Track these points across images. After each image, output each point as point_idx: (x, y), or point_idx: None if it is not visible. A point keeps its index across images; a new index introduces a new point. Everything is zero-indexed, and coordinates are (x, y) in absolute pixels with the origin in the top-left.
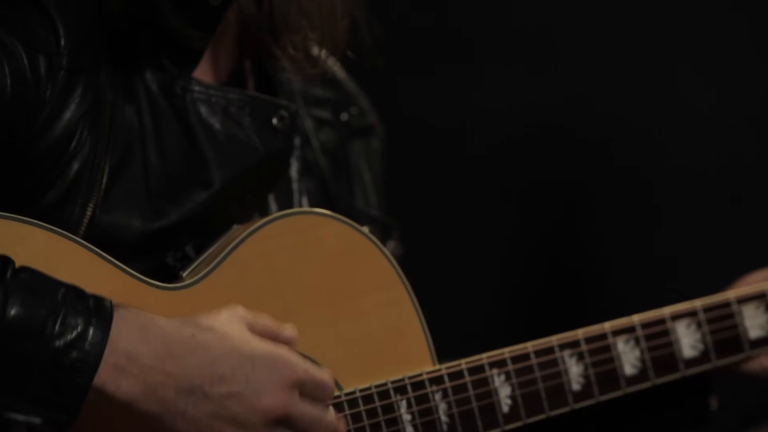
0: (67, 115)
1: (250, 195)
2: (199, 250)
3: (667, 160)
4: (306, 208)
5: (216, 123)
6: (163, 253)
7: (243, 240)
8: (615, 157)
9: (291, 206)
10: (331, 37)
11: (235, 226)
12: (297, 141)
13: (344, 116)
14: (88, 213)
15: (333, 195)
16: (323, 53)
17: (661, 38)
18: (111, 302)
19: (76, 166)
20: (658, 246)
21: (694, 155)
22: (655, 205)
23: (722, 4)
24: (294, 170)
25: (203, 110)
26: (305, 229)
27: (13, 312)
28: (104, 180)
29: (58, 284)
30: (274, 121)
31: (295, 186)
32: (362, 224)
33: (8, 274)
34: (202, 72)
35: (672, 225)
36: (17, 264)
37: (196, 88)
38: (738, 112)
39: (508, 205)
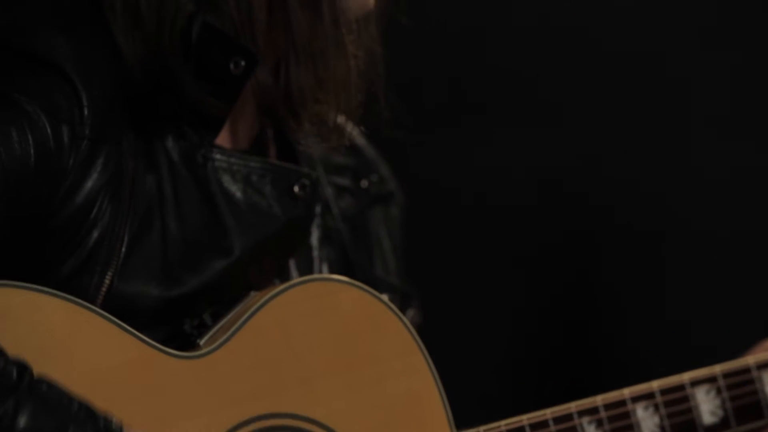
0: (89, 184)
1: (270, 262)
2: (217, 318)
3: (679, 222)
4: (323, 275)
5: (237, 191)
6: (181, 321)
7: (260, 307)
8: (627, 219)
9: (311, 273)
10: (348, 108)
11: (252, 293)
12: (318, 209)
13: (364, 183)
14: (107, 281)
15: (353, 263)
16: (343, 122)
17: (672, 99)
18: (121, 425)
19: (95, 234)
20: (671, 309)
21: (706, 217)
22: (668, 268)
23: (736, 65)
24: (314, 238)
25: (224, 178)
26: (323, 295)
27: (22, 423)
28: (123, 248)
29: (71, 400)
30: (296, 189)
31: (315, 254)
32: (382, 292)
33: (24, 383)
34: (224, 139)
35: (684, 288)
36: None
37: (218, 156)
38: (751, 173)
39: (522, 268)
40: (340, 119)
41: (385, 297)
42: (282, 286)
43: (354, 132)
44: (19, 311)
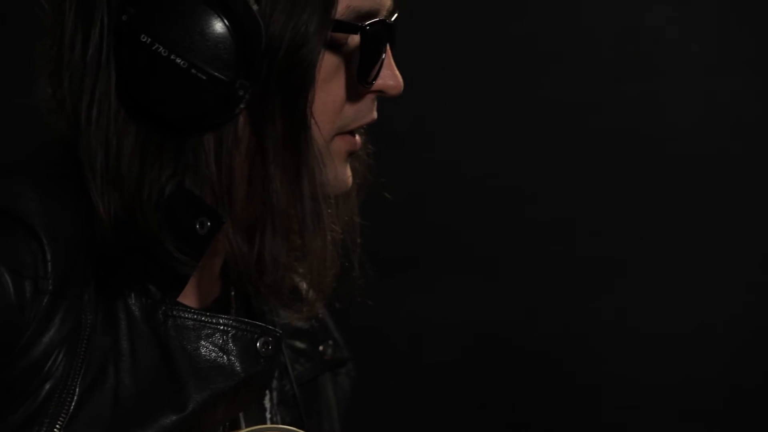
0: (47, 339)
1: (224, 412)
2: None
3: (611, 375)
4: (276, 425)
5: (197, 348)
6: None
7: None
8: (563, 369)
9: None
10: (321, 283)
11: None
12: (275, 372)
13: (321, 348)
14: None
15: (307, 428)
16: (314, 296)
17: (604, 253)
18: None
19: (47, 387)
20: None
21: (641, 371)
22: (604, 418)
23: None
24: (268, 400)
25: (184, 335)
26: None
27: None
28: (73, 402)
29: None
30: (258, 345)
31: (268, 416)
32: None
33: None
34: (186, 296)
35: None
36: None
37: (179, 314)
38: (679, 331)
39: (465, 419)
40: (313, 292)
41: None
42: None
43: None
44: None
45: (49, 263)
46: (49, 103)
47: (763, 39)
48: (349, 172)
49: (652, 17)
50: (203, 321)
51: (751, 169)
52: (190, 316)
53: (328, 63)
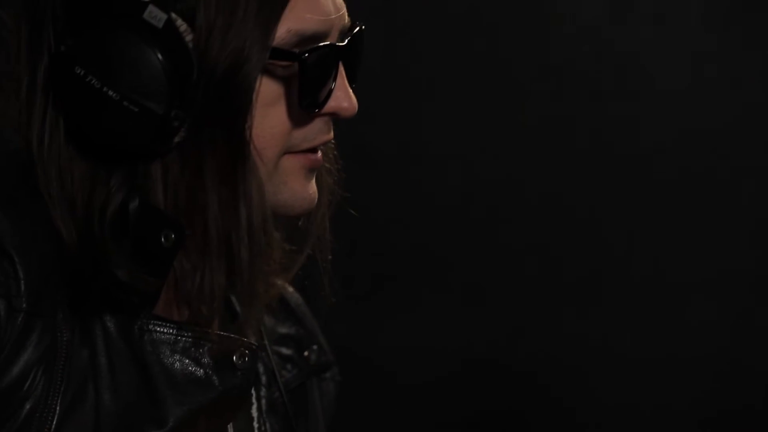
0: (24, 357)
1: (205, 426)
2: None
3: (596, 397)
4: None
5: (174, 362)
6: None
7: None
8: (547, 390)
9: None
10: (250, 317)
11: None
12: (264, 380)
13: (306, 353)
14: None
15: None
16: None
17: (589, 274)
18: None
19: (27, 407)
20: None
21: (623, 394)
22: None
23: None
24: (255, 409)
25: (161, 350)
26: None
27: None
28: (54, 421)
29: None
30: (234, 358)
31: (255, 425)
32: None
33: None
34: (167, 309)
35: None
36: None
37: (154, 328)
38: (664, 354)
39: None
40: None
41: None
42: None
43: (299, 300)
44: None
45: (22, 281)
46: (13, 123)
47: (746, 58)
48: (311, 189)
49: (633, 37)
50: (178, 335)
51: (736, 190)
52: (165, 330)
53: (269, 89)
